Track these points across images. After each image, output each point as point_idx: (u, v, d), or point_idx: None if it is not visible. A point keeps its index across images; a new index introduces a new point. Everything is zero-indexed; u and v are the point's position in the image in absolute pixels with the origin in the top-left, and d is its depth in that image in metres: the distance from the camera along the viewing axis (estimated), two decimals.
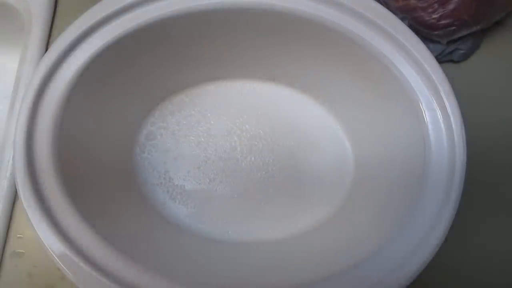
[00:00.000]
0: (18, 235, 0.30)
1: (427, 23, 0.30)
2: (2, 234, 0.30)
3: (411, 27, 0.27)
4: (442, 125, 0.25)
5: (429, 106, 0.25)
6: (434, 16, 0.30)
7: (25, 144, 0.24)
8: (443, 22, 0.30)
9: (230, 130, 0.33)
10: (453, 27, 0.30)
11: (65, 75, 0.25)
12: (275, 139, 0.33)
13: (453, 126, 0.25)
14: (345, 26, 0.26)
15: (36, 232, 0.23)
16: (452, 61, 0.35)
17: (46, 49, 0.33)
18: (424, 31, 0.31)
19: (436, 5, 0.29)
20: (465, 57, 0.34)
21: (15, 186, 0.29)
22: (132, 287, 0.22)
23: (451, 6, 0.29)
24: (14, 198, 0.31)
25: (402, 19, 0.29)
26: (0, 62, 0.40)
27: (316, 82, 0.33)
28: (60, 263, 0.22)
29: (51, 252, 0.22)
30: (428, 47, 0.26)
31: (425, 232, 0.24)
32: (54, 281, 0.30)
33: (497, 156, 0.33)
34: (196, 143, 0.33)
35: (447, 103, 0.25)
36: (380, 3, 0.29)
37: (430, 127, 0.25)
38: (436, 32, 0.31)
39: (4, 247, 0.30)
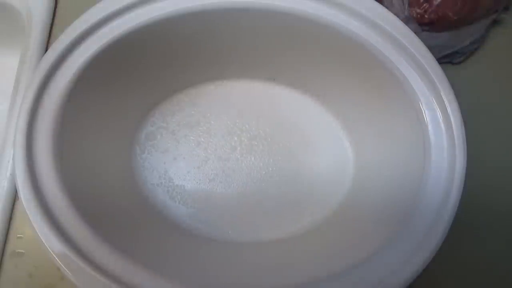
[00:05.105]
0: (18, 235, 0.30)
1: (412, 17, 0.30)
2: (2, 234, 0.30)
3: None
4: (442, 125, 0.25)
5: (429, 106, 0.25)
6: (419, 10, 0.30)
7: (25, 144, 0.24)
8: (427, 17, 0.30)
9: (230, 130, 0.33)
10: (437, 23, 0.30)
11: (65, 75, 0.25)
12: (275, 139, 0.33)
13: (453, 126, 0.25)
14: (345, 26, 0.26)
15: (36, 232, 0.23)
16: (451, 62, 0.35)
17: (46, 49, 0.33)
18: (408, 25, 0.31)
19: (421, 0, 0.30)
20: (464, 60, 0.35)
21: (15, 186, 0.29)
22: (132, 287, 0.22)
23: (436, 2, 0.29)
24: (14, 198, 0.31)
25: None
26: (0, 62, 0.40)
27: (316, 82, 0.33)
28: (60, 263, 0.22)
29: (51, 252, 0.22)
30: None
31: (425, 232, 0.24)
32: (54, 281, 0.30)
33: (498, 157, 0.33)
34: (196, 143, 0.33)
35: (447, 103, 0.25)
36: None
37: (430, 127, 0.25)
38: (418, 26, 0.31)
39: (4, 247, 0.30)
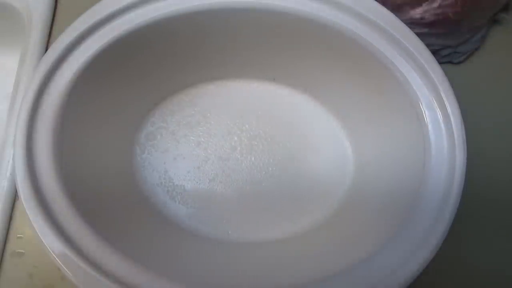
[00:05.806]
0: (18, 235, 0.31)
1: (411, 18, 0.30)
2: (2, 234, 0.30)
3: None
4: (442, 125, 0.25)
5: (429, 106, 0.25)
6: (419, 12, 0.30)
7: (25, 144, 0.24)
8: (427, 18, 0.30)
9: (230, 130, 0.33)
10: (437, 24, 0.30)
11: (65, 75, 0.25)
12: (275, 139, 0.33)
13: (453, 126, 0.25)
14: (345, 26, 0.26)
15: (36, 232, 0.23)
16: (451, 62, 0.35)
17: (46, 49, 0.33)
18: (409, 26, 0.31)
19: (421, 1, 0.30)
20: (464, 60, 0.34)
21: (15, 186, 0.29)
22: (132, 287, 0.22)
23: (435, 4, 0.29)
24: (14, 198, 0.31)
25: None
26: (0, 62, 0.40)
27: (316, 82, 0.33)
28: (60, 263, 0.22)
29: (51, 252, 0.22)
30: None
31: (425, 232, 0.24)
32: (54, 281, 0.30)
33: (497, 157, 0.33)
34: (196, 143, 0.33)
35: (447, 103, 0.25)
36: None
37: (430, 127, 0.25)
38: (417, 27, 0.31)
39: (4, 247, 0.30)
